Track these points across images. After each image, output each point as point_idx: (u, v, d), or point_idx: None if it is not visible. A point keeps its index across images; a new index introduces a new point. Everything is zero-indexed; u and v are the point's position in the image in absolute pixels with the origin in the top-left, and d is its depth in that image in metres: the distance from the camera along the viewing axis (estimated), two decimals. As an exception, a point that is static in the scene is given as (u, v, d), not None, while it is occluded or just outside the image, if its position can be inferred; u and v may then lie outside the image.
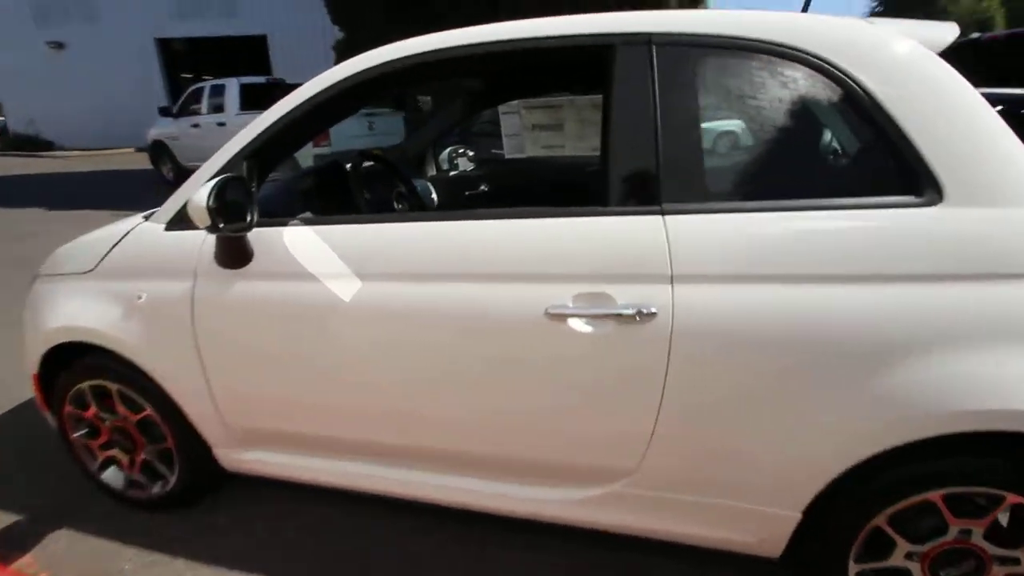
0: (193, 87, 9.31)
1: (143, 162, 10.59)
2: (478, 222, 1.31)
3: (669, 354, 1.17)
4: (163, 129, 9.39)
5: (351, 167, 1.92)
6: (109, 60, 16.17)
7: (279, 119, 1.45)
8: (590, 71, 1.58)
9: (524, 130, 2.47)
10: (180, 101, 9.43)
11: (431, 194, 2.57)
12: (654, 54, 1.23)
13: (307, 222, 1.44)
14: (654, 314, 1.17)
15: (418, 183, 2.43)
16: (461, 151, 3.06)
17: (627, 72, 1.25)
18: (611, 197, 1.24)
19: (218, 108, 8.60)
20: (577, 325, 1.22)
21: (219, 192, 1.28)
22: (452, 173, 2.79)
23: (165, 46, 16.55)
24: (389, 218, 1.39)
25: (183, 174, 8.97)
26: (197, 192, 1.28)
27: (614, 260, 1.20)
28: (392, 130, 7.34)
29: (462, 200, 2.62)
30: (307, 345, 1.43)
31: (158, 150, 9.57)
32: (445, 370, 1.34)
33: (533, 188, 2.54)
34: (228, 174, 1.36)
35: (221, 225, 1.29)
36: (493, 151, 3.36)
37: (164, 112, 9.61)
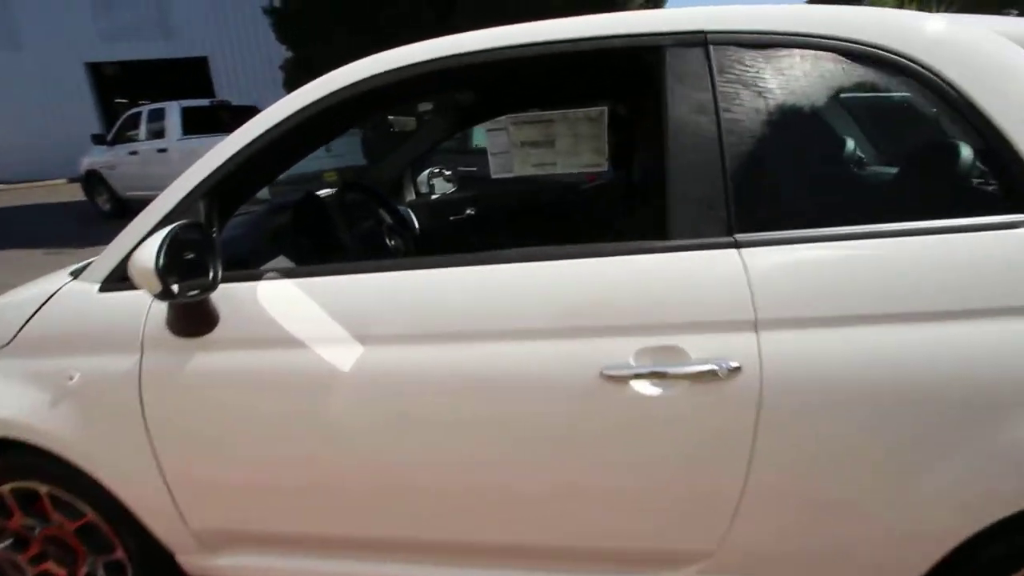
0: (129, 112, 8.73)
1: (77, 193, 9.88)
2: (507, 266, 1.07)
3: (758, 416, 0.97)
4: (97, 158, 8.75)
5: (333, 199, 1.62)
6: (35, 87, 15.18)
7: (246, 146, 1.17)
8: (620, 78, 1.36)
9: (512, 147, 2.23)
10: (115, 128, 8.84)
11: (412, 221, 2.31)
12: (711, 55, 1.03)
13: (286, 274, 1.16)
14: (738, 369, 0.96)
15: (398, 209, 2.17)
16: (437, 171, 2.81)
17: (680, 78, 1.04)
18: (672, 228, 1.03)
19: (158, 133, 8.05)
20: (642, 388, 0.99)
21: (170, 246, 0.98)
22: (433, 197, 2.54)
23: (96, 71, 15.69)
24: (392, 265, 1.13)
25: (121, 205, 8.41)
26: (141, 249, 0.98)
27: (683, 305, 0.99)
28: (350, 150, 6.99)
29: (447, 226, 2.37)
30: (295, 427, 1.14)
31: (92, 180, 8.91)
32: (476, 450, 1.09)
33: (527, 210, 2.32)
34: (181, 221, 1.06)
35: (176, 289, 0.99)
36: (460, 168, 3.13)
37: (98, 140, 8.98)
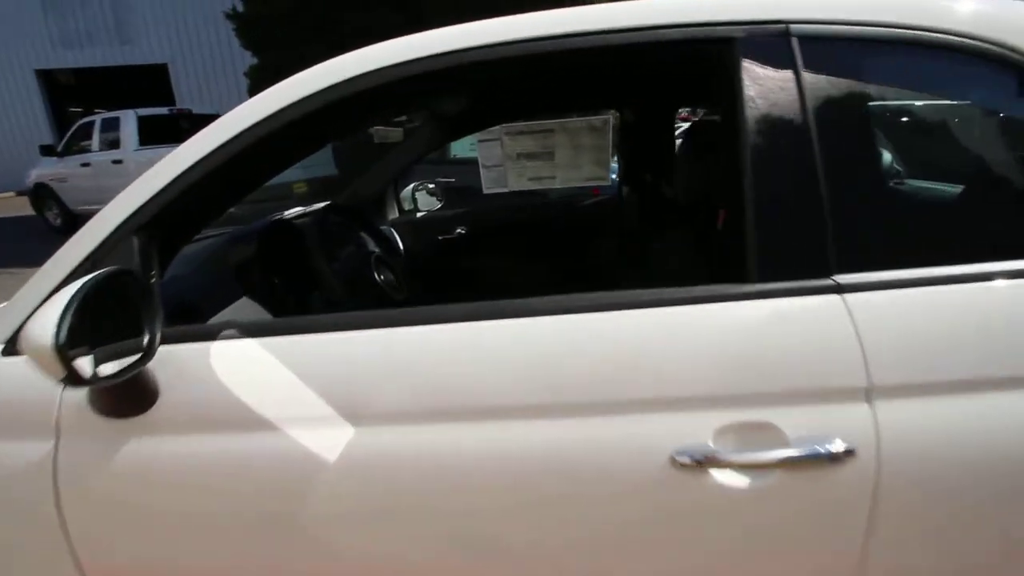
0: (81, 122, 8.23)
1: (25, 207, 9.27)
2: (543, 319, 0.82)
3: (874, 509, 0.75)
4: (47, 170, 8.23)
5: (309, 225, 1.32)
6: (-20, 95, 14.43)
7: (196, 164, 0.89)
8: (669, 77, 1.13)
9: (507, 160, 2.01)
10: (66, 138, 8.33)
11: (396, 243, 2.05)
12: (796, 49, 0.82)
13: (249, 330, 0.89)
14: (850, 452, 0.74)
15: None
16: (421, 185, 2.55)
17: (757, 77, 0.82)
18: (751, 268, 0.80)
19: (112, 144, 7.59)
20: (725, 478, 0.76)
21: (80, 309, 0.70)
22: (419, 214, 2.28)
23: (48, 78, 14.94)
24: (390, 318, 0.87)
25: (73, 220, 7.90)
26: (36, 317, 0.70)
27: (774, 369, 0.77)
28: (320, 161, 6.63)
29: (436, 247, 2.12)
30: (258, 530, 0.87)
31: (42, 194, 8.37)
32: (511, 560, 0.83)
33: (527, 228, 2.08)
34: (102, 271, 0.78)
35: (90, 370, 0.72)
36: (439, 179, 2.90)
37: (47, 151, 8.44)
